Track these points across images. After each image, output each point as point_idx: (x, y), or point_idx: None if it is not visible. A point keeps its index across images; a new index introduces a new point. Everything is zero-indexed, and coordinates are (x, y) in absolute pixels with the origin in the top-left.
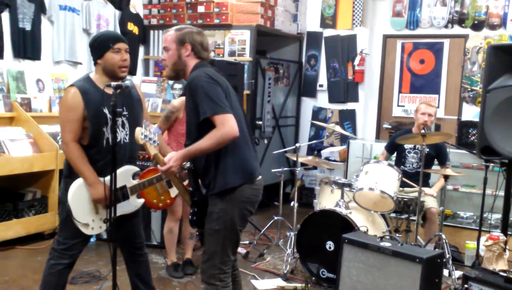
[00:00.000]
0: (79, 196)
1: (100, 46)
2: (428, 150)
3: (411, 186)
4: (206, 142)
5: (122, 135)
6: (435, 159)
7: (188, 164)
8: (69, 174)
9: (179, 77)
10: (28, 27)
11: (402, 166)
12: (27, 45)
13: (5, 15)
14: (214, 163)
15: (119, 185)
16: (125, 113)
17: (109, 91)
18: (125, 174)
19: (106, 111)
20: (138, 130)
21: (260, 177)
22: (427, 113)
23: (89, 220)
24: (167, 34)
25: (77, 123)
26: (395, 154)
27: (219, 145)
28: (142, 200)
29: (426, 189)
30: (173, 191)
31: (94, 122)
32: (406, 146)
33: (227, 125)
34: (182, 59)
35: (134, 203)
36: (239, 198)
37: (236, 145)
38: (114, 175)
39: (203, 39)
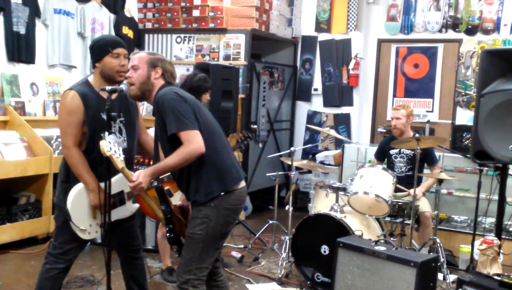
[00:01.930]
0: (79, 202)
1: (99, 49)
2: (413, 153)
3: (403, 191)
4: (173, 159)
5: (119, 141)
6: (424, 162)
7: (155, 183)
8: (66, 179)
9: (144, 98)
10: (22, 30)
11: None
12: (22, 49)
13: None
14: (197, 173)
15: (117, 190)
16: (122, 119)
17: (105, 95)
18: (123, 180)
19: (104, 116)
20: (102, 142)
21: (243, 183)
22: (394, 117)
23: (87, 225)
24: (139, 54)
25: (77, 126)
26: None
27: (186, 162)
28: (137, 205)
29: (412, 190)
30: (174, 200)
31: (92, 127)
32: (392, 151)
33: (193, 141)
34: (150, 80)
35: (129, 208)
36: (223, 205)
37: (218, 153)
38: (108, 181)
39: (173, 70)
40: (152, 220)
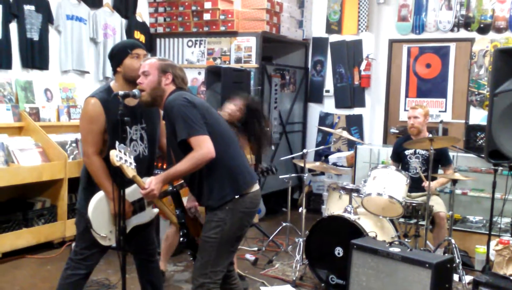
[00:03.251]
0: (99, 209)
1: (118, 53)
2: (428, 154)
3: (417, 188)
4: (184, 164)
5: (141, 148)
6: (438, 164)
7: (170, 188)
8: (87, 186)
9: (155, 104)
10: (36, 37)
11: (406, 172)
12: (35, 55)
13: (13, 26)
14: (209, 177)
15: (137, 197)
16: (143, 125)
17: (130, 102)
18: None
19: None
20: (112, 152)
21: (257, 186)
22: (412, 116)
23: (107, 232)
24: (149, 60)
25: (99, 134)
26: None
27: (197, 167)
28: (156, 210)
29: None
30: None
31: (113, 134)
32: (407, 152)
33: (203, 146)
34: (161, 86)
35: (149, 214)
36: (238, 208)
37: (230, 156)
38: (123, 187)
39: (184, 75)
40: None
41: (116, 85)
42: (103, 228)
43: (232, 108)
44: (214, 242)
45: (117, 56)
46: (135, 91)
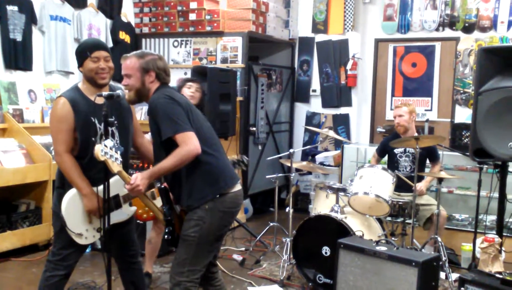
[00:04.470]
0: (73, 207)
1: (79, 54)
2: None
3: (407, 189)
4: (170, 161)
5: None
6: (427, 159)
7: (158, 184)
8: (61, 185)
9: (141, 101)
10: (19, 38)
11: (396, 170)
12: (18, 56)
13: None
14: (189, 177)
15: (112, 194)
16: (115, 122)
17: (99, 100)
18: (118, 183)
19: (95, 120)
20: (97, 147)
21: (239, 186)
22: (397, 115)
23: (83, 230)
24: (128, 60)
25: (69, 133)
26: (386, 158)
27: (183, 163)
28: (134, 208)
29: (420, 185)
30: (158, 203)
31: (83, 132)
32: (397, 150)
33: (189, 143)
34: (146, 85)
35: (126, 211)
36: (218, 207)
37: (211, 156)
38: (107, 186)
39: (165, 65)
40: (142, 222)
41: (83, 85)
42: (77, 225)
43: (190, 92)
44: (193, 240)
45: (79, 57)
46: (119, 92)
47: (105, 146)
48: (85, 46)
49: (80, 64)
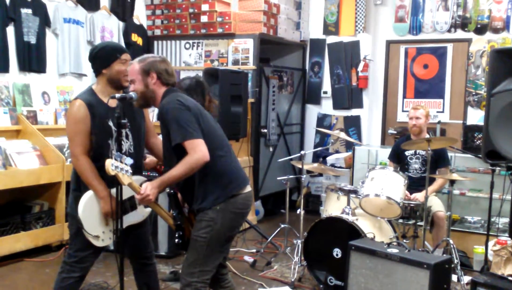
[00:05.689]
0: (90, 209)
1: (107, 56)
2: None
3: (413, 192)
4: (179, 169)
5: (126, 146)
6: (437, 163)
7: (168, 189)
8: (77, 187)
9: (149, 105)
10: (33, 40)
11: (406, 173)
12: (32, 58)
13: (10, 29)
14: (202, 182)
15: (127, 196)
16: (128, 124)
17: (112, 103)
18: None
19: (110, 123)
20: (108, 161)
21: (249, 188)
22: (414, 116)
23: (100, 232)
24: (131, 66)
25: (85, 135)
26: None
27: (192, 171)
28: (149, 210)
29: (416, 195)
30: None
31: (99, 134)
32: (407, 152)
33: (198, 150)
34: (149, 87)
35: (142, 213)
36: (229, 208)
37: (222, 159)
38: (120, 191)
39: (167, 66)
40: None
41: (98, 87)
42: (94, 227)
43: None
44: (204, 241)
45: (106, 59)
46: (132, 94)
47: (115, 159)
48: (114, 48)
49: (107, 65)
